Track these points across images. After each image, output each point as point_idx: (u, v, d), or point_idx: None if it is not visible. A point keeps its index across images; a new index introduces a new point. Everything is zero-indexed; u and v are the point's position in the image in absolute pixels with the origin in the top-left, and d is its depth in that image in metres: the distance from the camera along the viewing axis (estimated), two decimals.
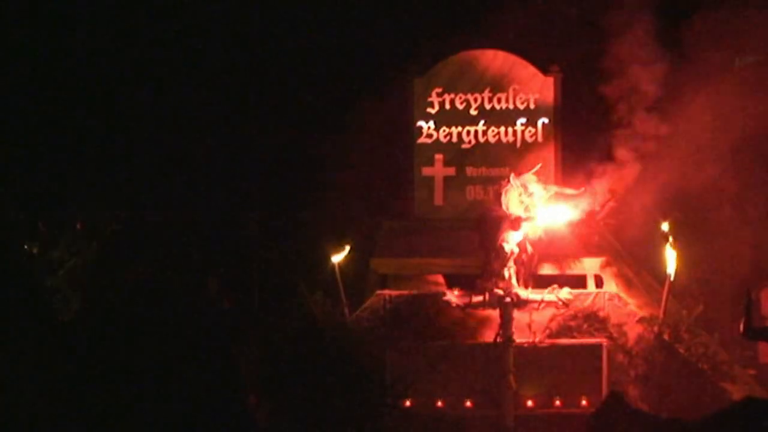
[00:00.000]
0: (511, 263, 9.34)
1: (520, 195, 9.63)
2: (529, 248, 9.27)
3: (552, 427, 9.22)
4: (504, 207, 9.65)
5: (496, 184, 10.19)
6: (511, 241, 9.44)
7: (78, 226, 10.61)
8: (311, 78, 12.89)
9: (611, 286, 10.05)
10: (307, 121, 12.91)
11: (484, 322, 9.43)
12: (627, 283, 10.39)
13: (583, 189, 9.68)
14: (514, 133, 11.20)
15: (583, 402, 9.37)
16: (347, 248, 10.03)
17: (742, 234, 10.84)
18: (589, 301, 9.61)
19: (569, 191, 9.57)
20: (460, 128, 11.21)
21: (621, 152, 9.88)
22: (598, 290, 9.99)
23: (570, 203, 9.66)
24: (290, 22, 13.09)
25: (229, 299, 12.97)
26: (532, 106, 11.26)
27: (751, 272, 10.53)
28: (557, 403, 9.38)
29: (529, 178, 9.68)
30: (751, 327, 6.71)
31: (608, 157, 9.89)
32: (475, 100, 11.25)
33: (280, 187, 12.79)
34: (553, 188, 9.51)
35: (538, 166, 9.98)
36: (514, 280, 9.26)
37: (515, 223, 9.50)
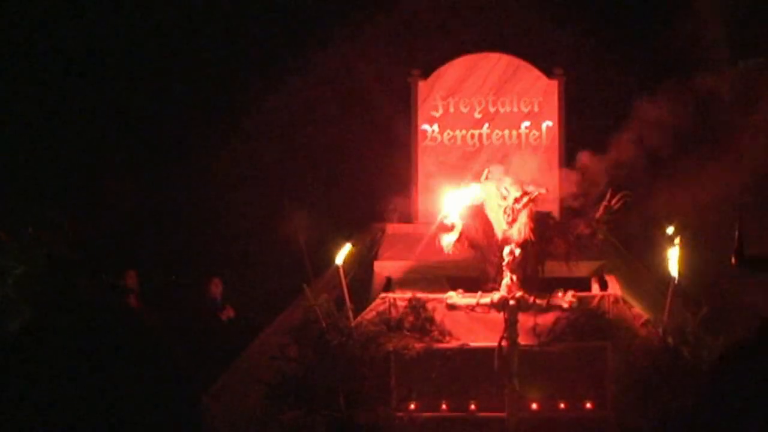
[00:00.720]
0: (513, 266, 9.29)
1: (502, 198, 9.57)
2: (517, 251, 9.20)
3: (556, 430, 9.21)
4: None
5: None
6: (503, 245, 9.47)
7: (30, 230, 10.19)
8: (314, 78, 12.90)
9: (615, 289, 10.03)
10: (307, 123, 12.92)
11: (488, 324, 9.40)
12: (631, 285, 10.38)
13: (545, 190, 9.62)
14: (518, 136, 11.23)
15: (588, 405, 9.36)
16: (348, 246, 10.00)
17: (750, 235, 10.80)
18: (593, 304, 9.58)
19: (541, 191, 9.52)
20: (464, 131, 11.23)
21: (623, 154, 9.87)
22: (603, 293, 9.97)
23: (473, 189, 9.61)
24: (292, 22, 13.10)
25: (230, 307, 12.93)
26: (536, 109, 11.29)
27: None
28: (562, 406, 9.35)
29: (505, 180, 9.62)
30: (743, 256, 6.55)
31: (610, 158, 9.86)
32: (479, 103, 11.27)
33: (281, 188, 12.80)
34: (532, 188, 9.47)
35: (486, 171, 9.98)
36: (517, 283, 9.22)
37: (441, 226, 9.66)
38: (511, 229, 9.47)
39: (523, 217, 9.42)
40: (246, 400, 9.28)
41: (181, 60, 12.97)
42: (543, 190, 9.54)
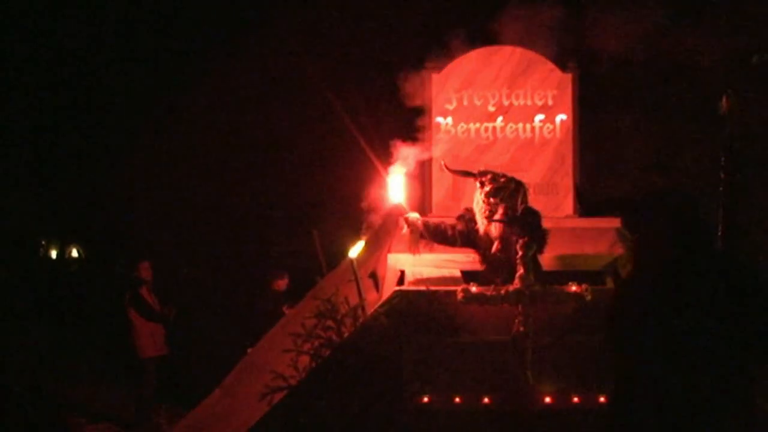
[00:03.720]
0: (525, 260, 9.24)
1: (480, 193, 9.53)
2: (494, 245, 9.14)
3: (570, 423, 9.18)
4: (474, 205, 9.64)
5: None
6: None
7: None
8: (330, 71, 12.92)
9: None
10: (319, 117, 12.94)
11: (502, 318, 9.36)
12: None
13: (512, 178, 9.57)
14: (532, 129, 11.21)
15: (601, 399, 9.31)
16: (362, 243, 10.03)
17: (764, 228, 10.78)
18: (607, 298, 9.50)
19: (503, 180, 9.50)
20: (477, 124, 11.21)
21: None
22: None
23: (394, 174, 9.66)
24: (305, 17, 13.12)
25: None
26: (550, 103, 11.27)
27: None
28: (575, 399, 9.31)
29: (487, 173, 9.56)
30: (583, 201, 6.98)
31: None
32: (493, 96, 11.26)
33: (296, 183, 12.83)
34: (503, 181, 9.43)
35: (442, 162, 10.06)
36: (531, 277, 9.16)
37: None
38: (490, 225, 9.42)
39: (500, 211, 9.35)
40: (257, 393, 9.27)
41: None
42: (502, 179, 9.44)
